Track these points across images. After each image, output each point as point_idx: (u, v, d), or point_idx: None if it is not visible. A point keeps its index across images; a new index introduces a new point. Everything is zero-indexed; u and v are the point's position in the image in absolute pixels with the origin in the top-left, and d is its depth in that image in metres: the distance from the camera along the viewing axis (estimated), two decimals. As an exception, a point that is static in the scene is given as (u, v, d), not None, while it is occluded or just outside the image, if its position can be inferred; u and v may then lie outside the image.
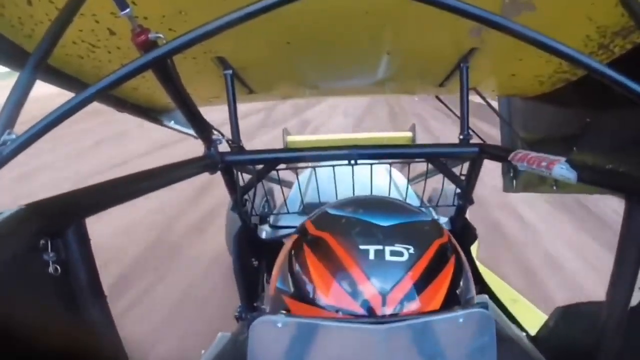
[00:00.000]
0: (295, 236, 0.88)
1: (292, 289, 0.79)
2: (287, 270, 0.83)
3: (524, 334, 1.01)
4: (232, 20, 0.77)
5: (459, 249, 0.88)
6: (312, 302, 0.75)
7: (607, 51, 1.19)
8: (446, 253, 0.81)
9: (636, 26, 0.90)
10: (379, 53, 1.40)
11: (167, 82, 1.02)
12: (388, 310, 0.70)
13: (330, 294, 0.73)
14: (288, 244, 0.89)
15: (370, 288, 0.71)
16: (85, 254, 0.75)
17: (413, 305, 0.71)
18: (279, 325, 0.66)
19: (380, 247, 0.75)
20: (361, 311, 0.71)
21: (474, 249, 1.65)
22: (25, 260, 0.65)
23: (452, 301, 0.76)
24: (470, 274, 0.86)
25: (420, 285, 0.73)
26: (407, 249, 0.75)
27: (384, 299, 0.71)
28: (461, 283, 0.81)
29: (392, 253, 0.74)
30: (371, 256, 0.74)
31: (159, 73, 0.98)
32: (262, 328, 0.67)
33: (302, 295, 0.76)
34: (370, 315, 0.70)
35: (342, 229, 0.82)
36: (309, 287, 0.76)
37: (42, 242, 0.67)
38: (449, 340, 0.66)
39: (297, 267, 0.81)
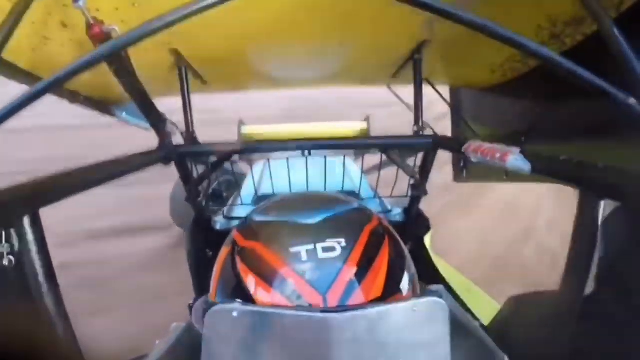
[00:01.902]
0: (227, 250, 0.86)
1: None
2: (223, 287, 0.82)
3: (478, 323, 1.02)
4: (186, 14, 0.77)
5: (391, 229, 0.87)
6: None
7: (558, 42, 1.21)
8: (378, 237, 0.81)
9: (587, 15, 0.91)
10: (331, 45, 1.39)
11: (121, 74, 1.02)
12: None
13: (272, 304, 0.72)
14: (220, 258, 0.87)
15: (309, 290, 0.71)
16: (39, 245, 0.74)
17: (355, 297, 0.71)
18: (234, 314, 0.66)
19: (311, 246, 0.74)
20: (304, 308, 0.70)
21: (427, 239, 1.66)
22: None
23: (393, 283, 0.76)
24: (407, 252, 0.86)
25: (358, 276, 0.73)
26: (339, 243, 0.75)
27: (325, 297, 0.70)
28: (399, 263, 0.81)
29: (325, 250, 0.74)
30: (304, 257, 0.73)
31: (113, 65, 0.98)
32: (216, 317, 0.67)
33: None
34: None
35: (270, 236, 0.81)
36: (250, 301, 0.74)
37: None
38: (403, 329, 0.66)
39: (233, 283, 0.79)
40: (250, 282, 0.75)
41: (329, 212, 0.83)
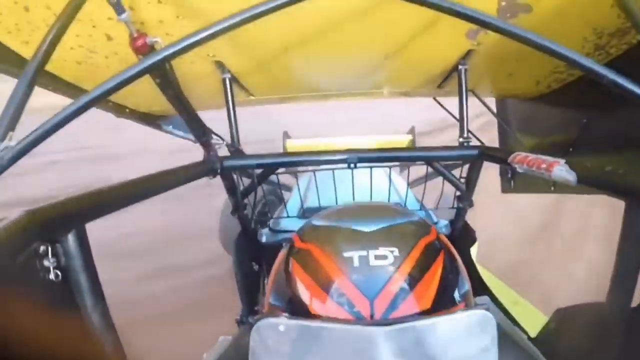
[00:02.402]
0: (284, 251, 0.89)
1: (285, 305, 0.80)
2: (278, 286, 0.85)
3: (525, 335, 1.01)
4: (229, 25, 0.78)
5: (449, 244, 0.89)
6: (305, 316, 0.75)
7: (603, 52, 1.20)
8: (433, 251, 0.82)
9: (632, 26, 0.90)
10: (376, 56, 1.40)
11: (165, 86, 1.03)
12: (378, 315, 0.71)
13: (321, 306, 0.74)
14: (279, 258, 0.91)
15: (357, 295, 0.72)
16: (86, 260, 0.74)
17: (403, 307, 0.72)
18: (281, 328, 0.66)
19: (364, 252, 0.76)
20: (353, 319, 0.71)
21: (473, 251, 1.65)
22: (26, 267, 0.64)
23: (444, 297, 0.77)
24: (463, 268, 0.87)
25: (408, 286, 0.74)
26: (392, 252, 0.76)
27: (372, 303, 0.71)
28: (452, 278, 0.82)
29: (377, 257, 0.75)
30: (355, 263, 0.75)
31: (158, 77, 0.99)
32: (263, 331, 0.67)
33: (295, 310, 0.77)
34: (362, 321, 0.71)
35: (326, 239, 0.83)
36: (300, 301, 0.77)
37: (42, 248, 0.66)
38: (450, 341, 0.66)
39: (287, 283, 0.82)
40: (301, 282, 0.78)
41: (386, 221, 0.85)
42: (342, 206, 1.03)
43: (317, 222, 0.92)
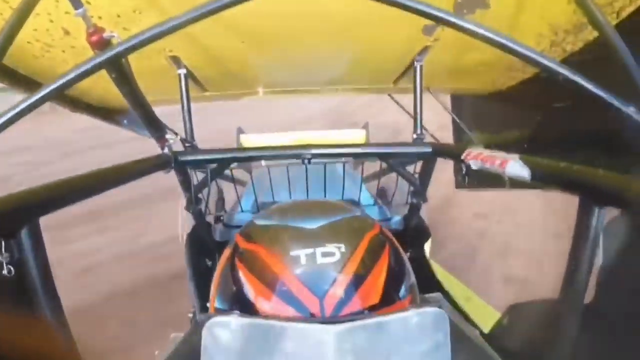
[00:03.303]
0: (228, 252, 0.88)
1: (231, 307, 0.78)
2: (223, 288, 0.83)
3: (478, 331, 1.01)
4: (186, 20, 0.78)
5: (392, 237, 0.88)
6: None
7: (558, 49, 1.22)
8: (379, 244, 0.82)
9: (588, 22, 0.91)
10: (330, 52, 1.40)
11: (121, 81, 1.01)
12: (328, 312, 0.70)
13: (270, 307, 0.73)
14: (222, 260, 0.88)
15: (306, 293, 0.71)
16: (39, 255, 0.73)
17: (352, 303, 0.72)
18: (232, 326, 0.65)
19: (310, 250, 0.75)
20: (302, 318, 0.71)
21: (427, 247, 1.65)
22: None
23: (392, 291, 0.77)
24: (407, 261, 0.86)
25: (356, 282, 0.73)
26: (338, 248, 0.76)
27: (322, 301, 0.71)
28: (398, 271, 0.81)
29: (324, 254, 0.75)
30: (303, 261, 0.74)
31: (113, 72, 0.97)
32: (214, 329, 0.65)
33: (243, 312, 0.74)
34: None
35: (271, 239, 0.82)
36: (248, 303, 0.75)
37: None
38: (403, 339, 0.65)
39: (233, 285, 0.80)
40: (249, 284, 0.76)
41: (330, 218, 0.84)
42: (284, 204, 1.02)
43: (260, 221, 0.91)
